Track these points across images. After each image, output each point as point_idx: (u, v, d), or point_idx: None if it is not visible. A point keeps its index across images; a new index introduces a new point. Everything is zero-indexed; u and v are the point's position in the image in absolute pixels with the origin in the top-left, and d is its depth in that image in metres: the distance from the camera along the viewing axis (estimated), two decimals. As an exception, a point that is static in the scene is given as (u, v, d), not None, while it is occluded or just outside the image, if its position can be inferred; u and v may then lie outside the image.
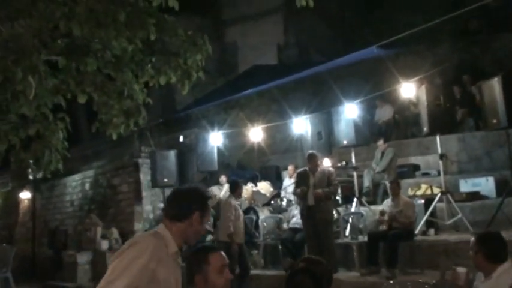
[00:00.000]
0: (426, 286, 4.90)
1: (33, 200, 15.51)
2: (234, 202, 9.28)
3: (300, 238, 9.43)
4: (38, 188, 16.67)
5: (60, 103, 7.30)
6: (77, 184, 15.81)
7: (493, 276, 3.70)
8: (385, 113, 13.87)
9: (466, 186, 9.99)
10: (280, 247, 9.84)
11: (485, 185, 9.85)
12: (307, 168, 9.25)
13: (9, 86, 6.94)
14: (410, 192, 10.37)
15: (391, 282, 5.14)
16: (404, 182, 11.12)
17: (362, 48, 10.85)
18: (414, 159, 12.05)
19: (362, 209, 10.11)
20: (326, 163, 10.71)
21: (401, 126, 13.93)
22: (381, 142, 11.12)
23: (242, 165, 14.74)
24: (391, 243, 8.10)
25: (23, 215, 17.83)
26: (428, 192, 10.15)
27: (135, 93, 6.50)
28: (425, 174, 11.06)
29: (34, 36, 4.95)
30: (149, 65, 6.82)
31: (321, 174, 9.04)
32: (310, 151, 9.43)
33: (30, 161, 7.35)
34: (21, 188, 17.51)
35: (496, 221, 8.64)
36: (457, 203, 9.17)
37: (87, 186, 15.19)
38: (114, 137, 7.98)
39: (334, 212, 9.45)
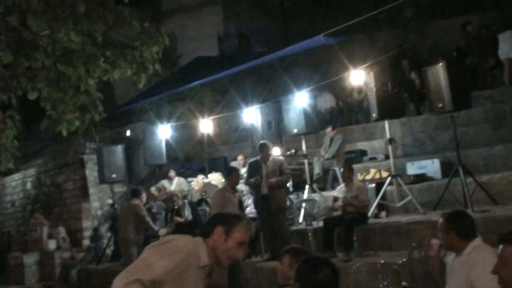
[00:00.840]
0: (395, 266, 5.04)
1: (-29, 202, 14.88)
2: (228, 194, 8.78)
3: (255, 227, 9.48)
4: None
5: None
6: (17, 184, 15.30)
7: (464, 252, 3.83)
8: (325, 102, 14.13)
9: (412, 168, 10.30)
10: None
11: (431, 167, 10.19)
12: (259, 158, 9.31)
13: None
14: (360, 177, 10.57)
15: (359, 265, 5.25)
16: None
17: (302, 38, 11.01)
18: (360, 145, 12.33)
19: (314, 196, 10.28)
20: (276, 152, 10.79)
21: (345, 113, 14.23)
22: (329, 129, 11.31)
23: (189, 158, 14.65)
24: (347, 228, 8.25)
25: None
26: (377, 176, 10.38)
27: (91, 88, 6.34)
28: (373, 158, 11.34)
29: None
30: (102, 59, 6.65)
31: (273, 164, 9.12)
32: (262, 141, 9.49)
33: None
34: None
35: (443, 200, 9.01)
36: (406, 186, 9.47)
37: (28, 185, 14.71)
38: (65, 133, 7.80)
39: (287, 200, 9.51)
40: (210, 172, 12.84)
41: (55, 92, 6.06)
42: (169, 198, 10.64)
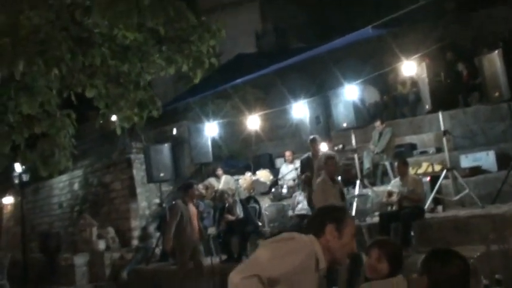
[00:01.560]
0: (472, 260, 4.86)
1: (21, 205, 15.07)
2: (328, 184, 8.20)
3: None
4: (22, 192, 16.25)
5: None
6: (65, 185, 15.48)
7: None
8: (369, 95, 13.88)
9: (466, 161, 10.03)
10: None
11: (486, 159, 9.91)
12: (310, 153, 9.18)
13: (13, 83, 6.72)
14: (412, 171, 10.30)
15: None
16: (403, 162, 11.19)
17: (341, 33, 10.84)
18: (409, 139, 12.08)
19: (365, 191, 10.09)
20: (323, 147, 10.64)
21: (391, 107, 13.98)
22: (378, 123, 11.12)
23: (233, 155, 14.59)
24: (404, 223, 8.06)
25: (7, 220, 17.40)
26: (430, 170, 10.16)
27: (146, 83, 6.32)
28: (423, 152, 11.10)
29: (56, 27, 4.71)
30: (157, 55, 6.62)
31: (320, 161, 8.98)
32: (312, 136, 9.36)
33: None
34: (3, 193, 17.07)
35: (502, 193, 8.75)
36: (459, 179, 9.22)
37: (76, 186, 14.88)
38: (119, 131, 7.80)
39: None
40: (255, 169, 12.79)
41: (115, 88, 6.04)
42: (220, 196, 10.56)
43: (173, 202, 9.17)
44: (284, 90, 11.88)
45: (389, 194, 8.74)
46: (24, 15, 4.61)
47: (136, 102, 6.25)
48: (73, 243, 13.51)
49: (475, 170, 9.69)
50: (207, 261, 10.69)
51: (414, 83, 13.27)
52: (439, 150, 11.21)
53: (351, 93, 9.87)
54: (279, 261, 2.63)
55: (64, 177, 15.50)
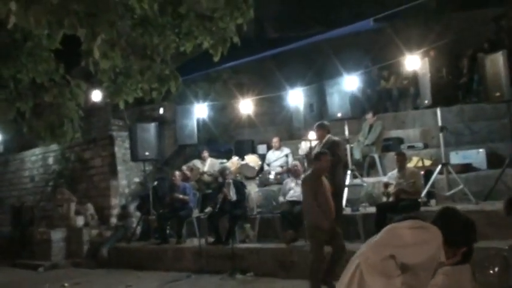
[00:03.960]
0: (505, 253, 4.94)
1: (-9, 177, 14.59)
2: None
3: (298, 210, 9.35)
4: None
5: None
6: (37, 159, 15.04)
7: None
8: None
9: (457, 158, 10.21)
10: (278, 220, 9.78)
11: (476, 157, 10.10)
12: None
13: (26, 47, 6.46)
14: (400, 165, 10.50)
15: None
16: (391, 155, 11.32)
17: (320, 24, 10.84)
18: (395, 133, 12.23)
19: (355, 181, 10.18)
20: (311, 136, 10.62)
21: (374, 101, 14.09)
22: (370, 115, 11.20)
23: (214, 140, 14.46)
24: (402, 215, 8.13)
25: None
26: (420, 164, 10.34)
27: (168, 57, 6.16)
28: (411, 147, 11.24)
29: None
30: (176, 30, 6.46)
31: (325, 145, 8.98)
32: (319, 122, 9.31)
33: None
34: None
35: (493, 191, 8.95)
36: (452, 175, 9.38)
37: (50, 160, 14.47)
38: (122, 106, 7.61)
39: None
40: (236, 154, 12.70)
41: (140, 61, 5.85)
42: (222, 172, 10.48)
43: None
44: (283, 76, 11.81)
45: (386, 185, 8.83)
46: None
47: (157, 76, 6.08)
48: (47, 217, 13.15)
49: (466, 167, 9.87)
50: (193, 242, 10.66)
51: (400, 78, 13.47)
52: (426, 146, 11.43)
53: (349, 83, 9.89)
54: (416, 249, 2.63)
55: (37, 151, 15.07)
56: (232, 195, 9.90)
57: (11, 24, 4.63)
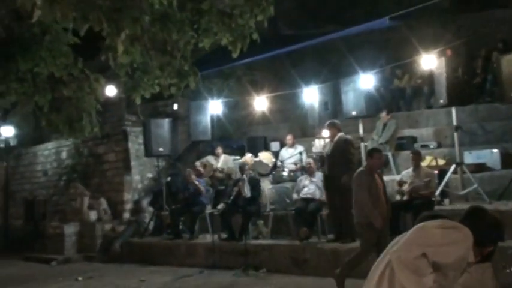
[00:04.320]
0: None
1: (6, 170, 14.65)
2: None
3: (313, 208, 9.40)
4: (6, 158, 15.82)
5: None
6: (50, 153, 15.12)
7: None
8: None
9: (470, 157, 10.18)
10: (291, 217, 9.82)
11: (490, 157, 10.08)
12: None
13: (45, 41, 6.50)
14: (416, 164, 10.48)
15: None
16: (404, 154, 11.31)
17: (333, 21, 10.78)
18: (408, 132, 12.20)
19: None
20: (325, 134, 10.64)
21: (387, 100, 14.06)
22: (384, 114, 11.17)
23: (227, 136, 14.47)
24: (416, 214, 8.13)
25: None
26: (433, 163, 10.29)
27: (187, 52, 6.18)
28: (424, 146, 11.21)
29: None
30: (195, 26, 6.48)
31: (338, 143, 9.02)
32: (330, 120, 9.36)
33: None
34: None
35: (507, 191, 8.93)
36: (465, 175, 9.36)
37: (63, 155, 14.54)
38: (139, 101, 7.66)
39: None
40: (249, 151, 12.71)
41: (161, 56, 5.88)
42: (241, 167, 10.50)
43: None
44: (299, 74, 11.81)
45: (400, 183, 8.82)
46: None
47: (177, 71, 6.10)
48: (60, 212, 13.24)
49: (480, 167, 9.84)
50: (205, 238, 10.71)
51: (414, 77, 13.43)
52: (440, 145, 11.41)
53: (364, 81, 9.89)
54: (447, 248, 2.65)
55: (50, 145, 15.16)
56: (247, 191, 9.91)
57: (36, 17, 4.67)
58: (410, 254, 2.67)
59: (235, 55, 6.45)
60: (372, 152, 7.29)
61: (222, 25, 6.22)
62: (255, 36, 6.37)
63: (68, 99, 6.82)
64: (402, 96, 13.86)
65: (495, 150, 10.12)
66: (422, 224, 2.92)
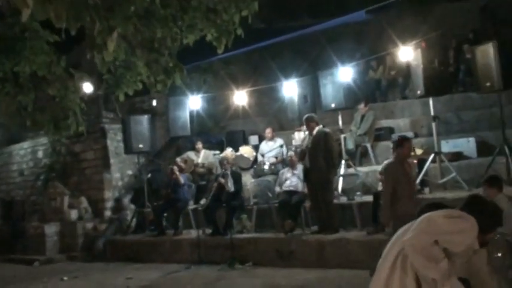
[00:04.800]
0: (509, 238, 5.11)
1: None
2: None
3: (296, 200, 9.52)
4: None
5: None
6: (26, 153, 14.94)
7: None
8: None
9: (447, 146, 10.38)
10: (275, 210, 9.91)
11: (467, 145, 10.31)
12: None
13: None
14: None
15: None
16: (382, 145, 11.51)
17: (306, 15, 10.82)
18: (385, 123, 12.38)
19: (350, 170, 10.33)
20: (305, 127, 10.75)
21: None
22: (362, 105, 11.33)
23: (205, 131, 14.48)
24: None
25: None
26: (412, 153, 10.48)
27: (173, 49, 6.20)
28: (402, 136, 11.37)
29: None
30: (179, 22, 6.49)
31: (317, 136, 9.15)
32: (308, 114, 9.49)
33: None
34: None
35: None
36: (443, 163, 9.58)
37: (40, 154, 14.37)
38: (122, 98, 7.66)
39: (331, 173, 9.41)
40: (227, 145, 12.76)
41: (147, 54, 5.89)
42: (221, 162, 10.56)
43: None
44: (278, 67, 11.89)
45: (381, 173, 8.95)
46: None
47: (163, 68, 6.12)
48: (39, 212, 13.10)
49: (457, 155, 10.07)
50: (190, 233, 10.74)
51: (387, 69, 13.64)
52: (417, 135, 11.63)
53: (343, 74, 10.02)
54: (455, 237, 2.77)
55: (25, 145, 14.98)
56: (230, 186, 9.98)
57: (25, 17, 4.64)
58: (423, 241, 2.77)
59: (220, 51, 6.49)
60: (402, 141, 6.84)
61: (207, 21, 6.24)
62: (240, 31, 6.41)
63: (52, 98, 6.78)
64: (378, 87, 14.06)
65: (471, 139, 10.35)
66: (429, 214, 3.02)
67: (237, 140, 13.39)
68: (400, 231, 3.21)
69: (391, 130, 11.87)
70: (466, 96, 12.04)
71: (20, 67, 6.73)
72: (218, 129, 14.69)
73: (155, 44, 5.72)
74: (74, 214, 12.17)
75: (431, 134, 11.67)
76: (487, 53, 8.79)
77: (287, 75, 11.11)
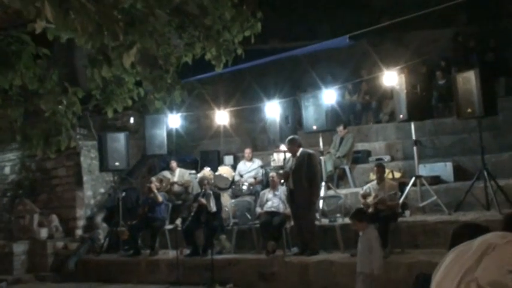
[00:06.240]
0: None
1: None
2: None
3: (278, 221, 9.48)
4: None
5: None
6: (-8, 169, 14.41)
7: None
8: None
9: (425, 170, 10.56)
10: (255, 231, 9.85)
11: (444, 170, 10.53)
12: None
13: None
14: (372, 177, 10.77)
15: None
16: (360, 167, 11.65)
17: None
18: (361, 146, 12.54)
19: (329, 192, 10.40)
20: (282, 148, 10.78)
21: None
22: (341, 128, 11.45)
23: (178, 150, 14.33)
24: (383, 225, 8.36)
25: None
26: (390, 176, 10.63)
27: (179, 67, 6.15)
28: (379, 159, 11.55)
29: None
30: (178, 40, 6.45)
31: (301, 158, 9.20)
32: (291, 136, 9.55)
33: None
34: None
35: (465, 203, 9.36)
36: (423, 187, 9.75)
37: (7, 170, 13.90)
38: (111, 114, 7.55)
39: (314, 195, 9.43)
40: (202, 165, 12.68)
41: (154, 70, 5.79)
42: (200, 181, 10.44)
43: None
44: (261, 88, 11.92)
45: (364, 196, 9.04)
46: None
47: (167, 85, 6.04)
48: (4, 230, 12.63)
49: (436, 180, 10.27)
50: (166, 253, 10.54)
51: (364, 92, 13.86)
52: (393, 158, 11.82)
53: (327, 96, 10.13)
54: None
55: (-9, 160, 14.48)
56: (213, 206, 9.87)
57: (40, 29, 4.51)
58: (503, 277, 2.67)
59: (219, 69, 6.47)
60: None
61: (208, 40, 6.21)
62: (240, 51, 6.41)
63: (42, 112, 6.59)
64: (352, 111, 14.25)
65: (448, 163, 10.58)
66: (489, 241, 2.91)
67: (211, 159, 13.31)
68: (456, 252, 3.09)
69: (368, 153, 12.04)
70: (440, 122, 12.33)
71: (8, 80, 6.54)
72: (190, 148, 14.57)
73: (160, 60, 5.64)
74: (43, 232, 11.77)
75: (406, 158, 11.93)
76: (469, 79, 9.04)
77: (271, 96, 11.16)
